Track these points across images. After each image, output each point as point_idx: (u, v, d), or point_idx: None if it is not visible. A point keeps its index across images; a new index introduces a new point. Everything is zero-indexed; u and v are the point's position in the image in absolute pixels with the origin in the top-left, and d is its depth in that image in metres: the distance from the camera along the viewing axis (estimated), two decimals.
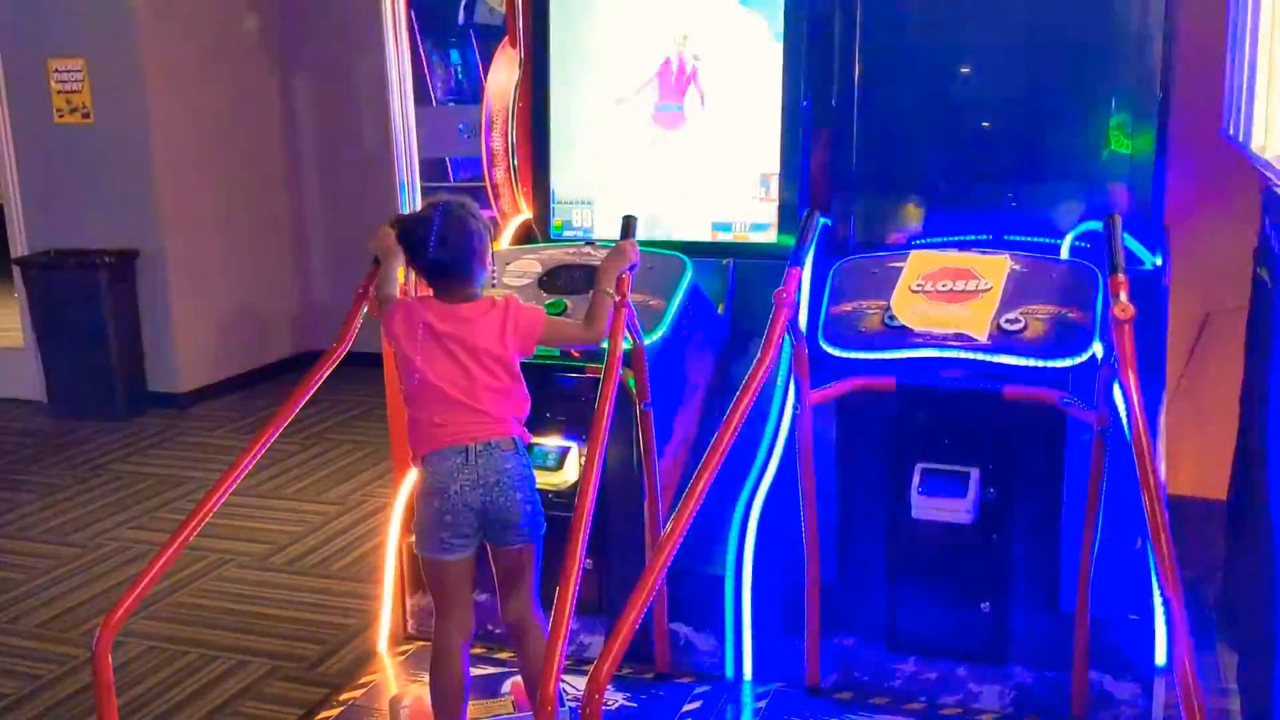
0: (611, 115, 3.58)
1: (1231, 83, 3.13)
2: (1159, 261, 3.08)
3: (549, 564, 2.58)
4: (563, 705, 2.58)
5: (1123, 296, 2.38)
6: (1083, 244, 3.09)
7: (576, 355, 3.08)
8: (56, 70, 6.09)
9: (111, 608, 2.36)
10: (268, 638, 3.70)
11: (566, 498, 2.99)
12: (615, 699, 2.99)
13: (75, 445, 5.74)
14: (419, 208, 2.68)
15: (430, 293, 2.62)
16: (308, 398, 2.75)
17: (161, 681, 3.45)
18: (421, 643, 3.27)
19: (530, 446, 2.69)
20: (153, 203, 6.13)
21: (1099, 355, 2.63)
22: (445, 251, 2.53)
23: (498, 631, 3.32)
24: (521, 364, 2.63)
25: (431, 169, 5.42)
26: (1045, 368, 2.68)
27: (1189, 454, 3.67)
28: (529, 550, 2.64)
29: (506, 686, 3.06)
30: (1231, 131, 3.10)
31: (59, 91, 6.13)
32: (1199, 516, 3.82)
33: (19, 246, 6.38)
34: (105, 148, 6.11)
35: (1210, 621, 3.30)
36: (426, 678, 2.71)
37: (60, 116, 6.15)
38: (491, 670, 3.17)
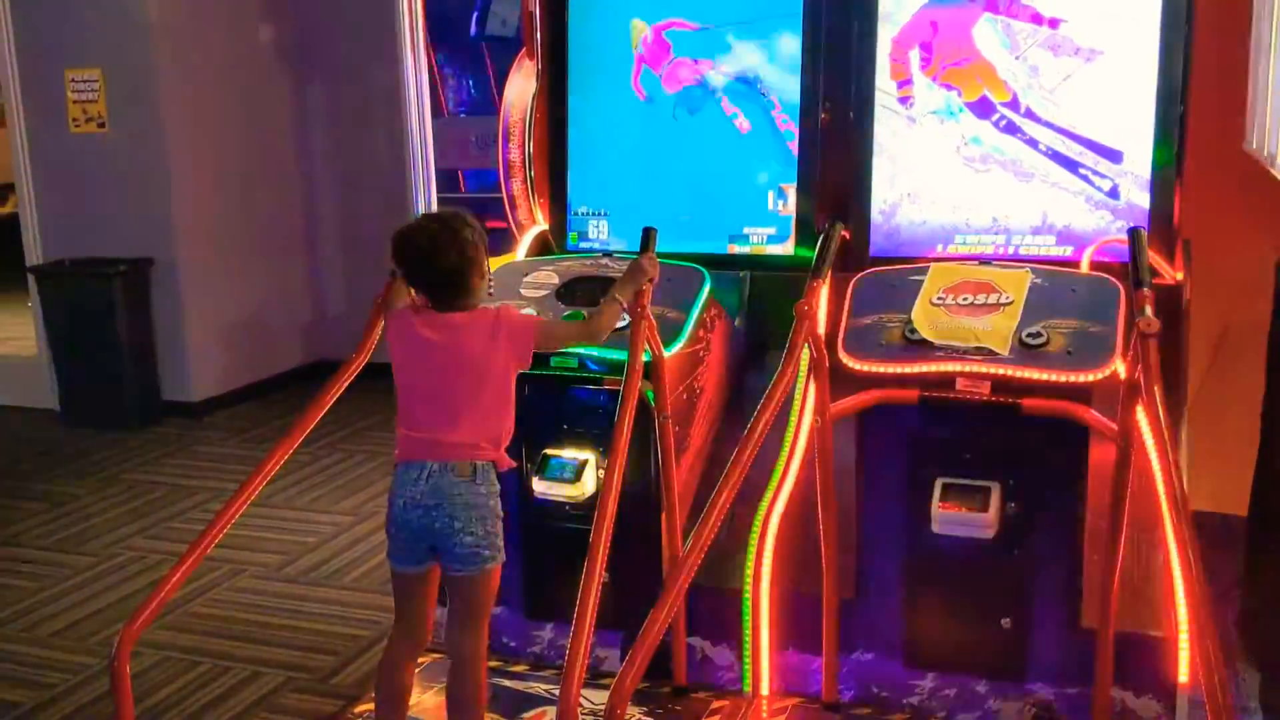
0: (629, 127, 3.59)
1: (1254, 96, 3.12)
2: (1180, 275, 3.06)
3: (568, 576, 2.56)
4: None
5: (1148, 311, 2.37)
6: (1102, 258, 3.08)
7: (594, 367, 3.07)
8: (73, 80, 6.12)
9: (129, 617, 2.36)
10: (282, 648, 3.69)
11: (585, 510, 2.98)
12: (633, 713, 2.98)
13: (89, 454, 5.74)
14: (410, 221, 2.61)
15: (426, 302, 2.59)
16: (326, 408, 2.75)
17: (176, 692, 3.44)
18: (436, 655, 3.26)
19: (500, 474, 2.56)
20: (167, 212, 6.15)
21: (1121, 370, 2.62)
22: (442, 264, 2.49)
23: (512, 645, 3.32)
24: (540, 376, 2.61)
25: (444, 180, 5.44)
26: (1068, 382, 2.67)
27: (1209, 469, 3.64)
28: (470, 582, 2.54)
29: (531, 714, 3.04)
30: (1254, 145, 3.09)
31: (75, 101, 6.15)
32: (1219, 532, 3.79)
33: (34, 255, 6.40)
34: (120, 157, 6.13)
35: (1231, 639, 3.27)
36: (441, 689, 2.70)
37: (76, 126, 6.18)
38: (508, 683, 3.16)
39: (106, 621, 3.91)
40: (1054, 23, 3.17)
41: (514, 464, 2.63)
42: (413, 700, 3.11)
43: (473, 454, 2.50)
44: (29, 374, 6.53)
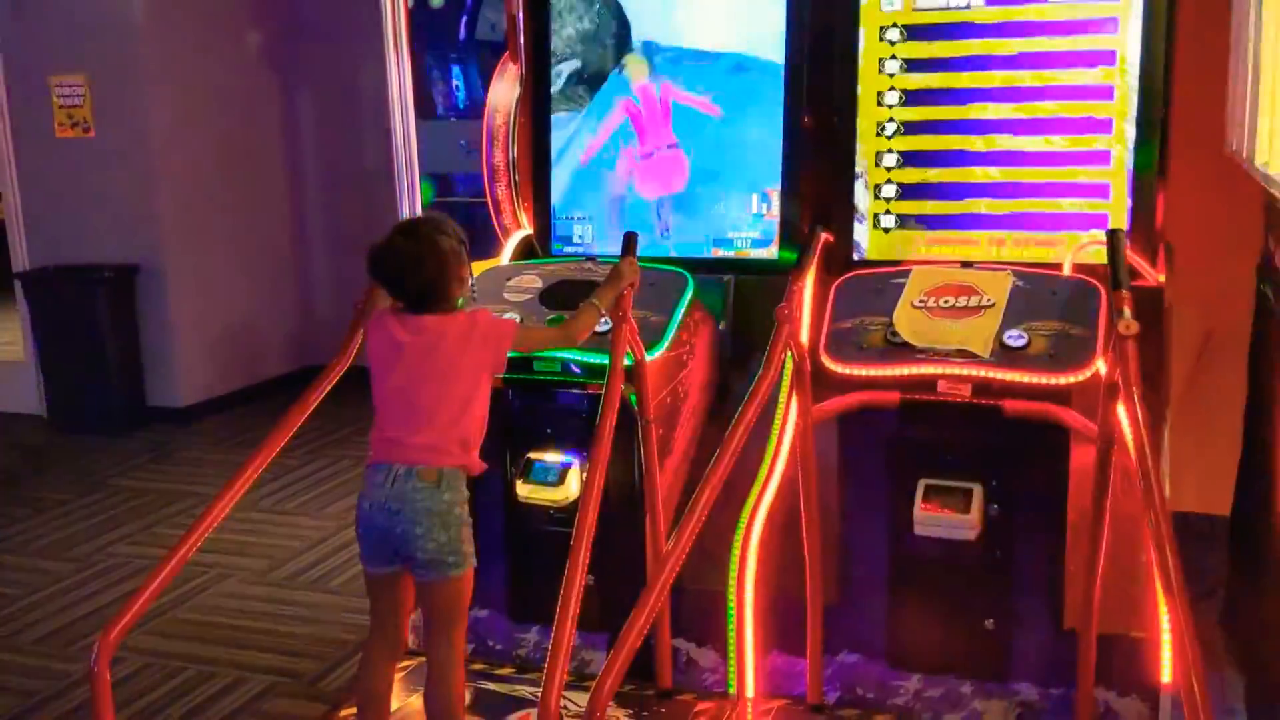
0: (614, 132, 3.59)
1: (1234, 98, 3.13)
2: (1161, 278, 3.07)
3: (552, 579, 2.54)
4: None
5: (1127, 313, 2.38)
6: (1085, 260, 3.09)
7: (577, 370, 3.08)
8: (58, 85, 6.11)
9: (110, 623, 2.35)
10: (267, 653, 3.68)
11: (568, 513, 2.97)
12: (617, 716, 2.97)
13: (75, 460, 5.73)
14: (387, 233, 2.60)
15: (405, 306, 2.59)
16: (308, 413, 2.75)
17: (160, 698, 3.43)
18: (421, 659, 3.25)
19: (467, 479, 2.55)
20: (153, 217, 6.14)
21: (1102, 371, 2.62)
22: (416, 280, 2.50)
23: (497, 648, 3.32)
24: (523, 380, 2.61)
25: (437, 183, 5.44)
26: (1049, 384, 2.67)
27: (1192, 470, 3.65)
28: (437, 588, 2.53)
29: (516, 716, 3.03)
30: (1234, 147, 3.10)
31: (60, 106, 6.14)
32: (1202, 533, 3.81)
33: (20, 260, 6.39)
34: (106, 162, 6.12)
35: (1216, 640, 3.28)
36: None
37: (62, 131, 6.16)
38: (492, 686, 3.15)
39: (90, 628, 3.89)
40: None
41: (485, 467, 2.61)
42: (397, 705, 3.11)
43: (438, 458, 2.49)
44: (15, 379, 6.52)
